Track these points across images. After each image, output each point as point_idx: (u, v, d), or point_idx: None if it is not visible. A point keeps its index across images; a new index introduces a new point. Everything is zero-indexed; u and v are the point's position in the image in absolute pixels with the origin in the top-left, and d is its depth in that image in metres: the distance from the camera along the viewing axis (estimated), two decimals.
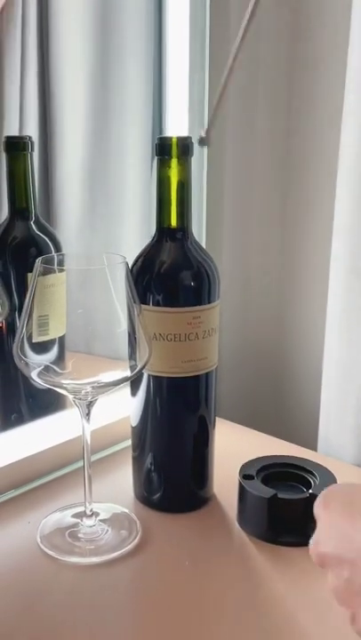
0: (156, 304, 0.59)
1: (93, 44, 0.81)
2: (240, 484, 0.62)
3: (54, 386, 0.56)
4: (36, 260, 0.55)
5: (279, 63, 0.87)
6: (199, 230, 0.83)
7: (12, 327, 0.74)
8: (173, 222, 0.60)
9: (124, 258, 0.56)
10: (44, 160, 0.79)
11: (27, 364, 0.57)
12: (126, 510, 0.64)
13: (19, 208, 0.73)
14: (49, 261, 0.56)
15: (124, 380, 0.57)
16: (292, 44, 0.85)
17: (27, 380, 0.76)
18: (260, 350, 0.97)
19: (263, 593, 0.54)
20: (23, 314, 0.57)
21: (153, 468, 0.64)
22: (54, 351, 0.60)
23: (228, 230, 0.93)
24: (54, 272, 0.56)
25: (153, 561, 0.58)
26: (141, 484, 0.66)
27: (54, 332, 0.60)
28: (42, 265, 0.55)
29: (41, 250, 0.74)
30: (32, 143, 0.71)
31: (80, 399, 0.57)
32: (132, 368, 0.56)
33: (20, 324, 0.57)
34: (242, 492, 0.62)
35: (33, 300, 0.55)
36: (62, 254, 0.65)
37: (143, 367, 0.57)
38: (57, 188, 0.82)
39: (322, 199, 0.84)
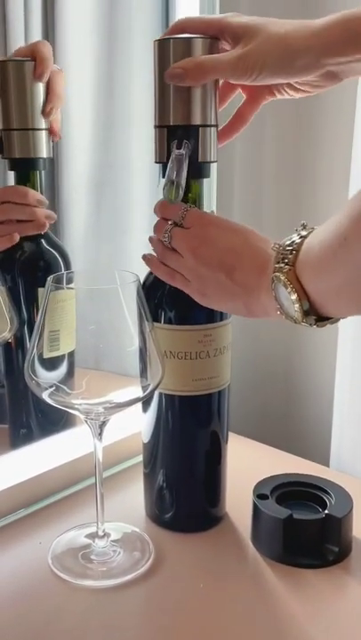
0: (168, 322, 0.59)
1: (99, 55, 0.80)
2: (254, 504, 0.61)
3: (66, 407, 0.56)
4: (48, 279, 0.54)
5: None
6: None
7: (20, 342, 0.74)
8: None
9: (137, 276, 0.55)
10: (50, 171, 0.79)
11: (38, 384, 0.56)
12: (138, 530, 0.63)
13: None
14: (60, 280, 0.55)
15: (137, 400, 0.56)
16: None
17: (36, 396, 0.76)
18: (271, 366, 0.96)
19: (279, 616, 0.53)
20: (34, 334, 0.56)
21: (165, 485, 0.63)
22: (64, 367, 0.59)
23: None
24: (65, 289, 0.56)
25: (166, 583, 0.57)
26: (153, 503, 0.65)
27: (65, 348, 0.60)
28: (53, 284, 0.54)
29: (50, 264, 0.73)
30: (44, 162, 0.71)
31: (92, 419, 0.56)
32: (145, 388, 0.56)
33: (31, 343, 0.56)
34: (256, 512, 0.61)
35: (44, 319, 0.55)
36: (72, 272, 0.64)
37: (156, 387, 0.56)
38: (63, 199, 0.82)
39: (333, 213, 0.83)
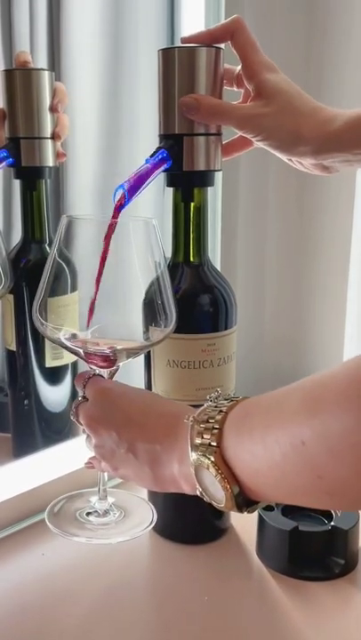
0: None
1: (104, 63, 0.80)
2: (260, 515, 0.60)
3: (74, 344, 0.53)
4: (62, 216, 0.52)
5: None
6: (213, 255, 0.82)
7: (24, 351, 0.73)
8: (189, 247, 0.59)
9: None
10: (55, 180, 0.79)
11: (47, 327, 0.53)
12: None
13: (32, 231, 0.73)
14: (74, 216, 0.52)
15: (148, 345, 0.53)
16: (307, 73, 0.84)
17: (40, 405, 0.75)
18: (276, 376, 0.95)
19: (284, 629, 0.52)
20: (44, 274, 0.53)
21: (169, 496, 0.62)
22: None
23: (243, 254, 0.92)
24: (67, 293, 0.55)
25: (170, 596, 0.56)
26: (157, 514, 0.64)
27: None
28: (67, 217, 0.51)
29: (55, 272, 0.73)
30: (50, 170, 0.71)
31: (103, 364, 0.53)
32: (154, 335, 0.53)
33: (40, 285, 0.53)
34: (261, 523, 0.60)
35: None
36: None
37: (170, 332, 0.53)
38: (69, 207, 0.81)
39: (340, 221, 0.83)
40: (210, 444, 0.38)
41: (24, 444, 0.75)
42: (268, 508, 0.60)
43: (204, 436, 0.38)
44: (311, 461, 0.32)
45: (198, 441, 0.39)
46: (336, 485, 0.32)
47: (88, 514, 0.57)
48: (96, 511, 0.57)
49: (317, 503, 0.35)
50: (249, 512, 0.39)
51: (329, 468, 0.32)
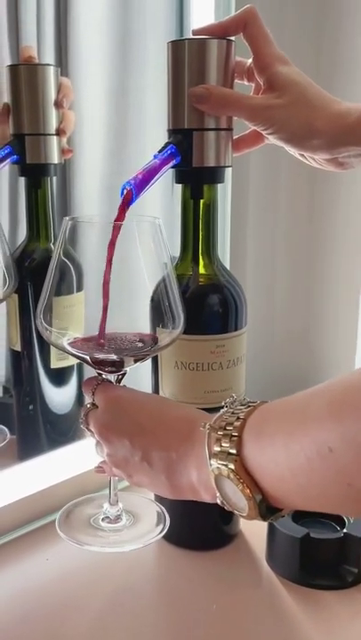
0: None
1: (112, 61, 0.79)
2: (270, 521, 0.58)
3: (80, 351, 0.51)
4: (65, 218, 0.51)
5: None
6: (223, 253, 0.81)
7: (29, 353, 0.72)
8: (198, 245, 0.57)
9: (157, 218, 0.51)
10: (62, 179, 0.77)
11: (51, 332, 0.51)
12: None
13: (37, 229, 0.72)
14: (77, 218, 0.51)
15: (157, 349, 0.52)
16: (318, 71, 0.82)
17: (45, 407, 0.74)
18: (287, 378, 0.93)
19: (294, 639, 0.51)
20: (47, 278, 0.51)
21: (177, 502, 0.61)
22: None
23: (253, 253, 0.90)
24: (73, 292, 0.53)
25: (178, 603, 0.55)
26: None
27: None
28: (70, 220, 0.50)
29: (60, 271, 0.72)
30: (55, 168, 0.69)
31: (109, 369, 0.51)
32: (163, 337, 0.51)
33: (44, 288, 0.51)
34: (271, 530, 0.58)
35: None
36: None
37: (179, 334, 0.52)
38: (76, 206, 0.80)
39: (351, 219, 0.81)
40: (229, 452, 0.37)
41: (29, 447, 0.74)
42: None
43: (223, 444, 0.37)
44: (339, 469, 0.31)
45: (217, 449, 0.37)
46: None
47: (101, 519, 0.56)
48: (107, 517, 0.56)
49: (345, 510, 0.34)
50: (272, 520, 0.38)
51: (358, 475, 0.30)
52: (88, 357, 0.50)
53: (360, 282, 0.73)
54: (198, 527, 0.62)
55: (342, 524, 0.58)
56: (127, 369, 0.52)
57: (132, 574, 0.58)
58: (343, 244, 0.85)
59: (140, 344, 0.51)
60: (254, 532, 0.63)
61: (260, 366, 0.91)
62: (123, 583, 0.57)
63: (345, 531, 0.57)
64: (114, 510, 0.56)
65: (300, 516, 0.59)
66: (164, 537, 0.62)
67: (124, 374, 0.52)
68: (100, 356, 0.50)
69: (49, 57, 0.75)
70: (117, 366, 0.51)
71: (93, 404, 0.50)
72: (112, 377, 0.52)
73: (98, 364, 0.51)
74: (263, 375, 0.92)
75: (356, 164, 0.52)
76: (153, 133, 0.81)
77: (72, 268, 0.59)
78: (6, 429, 0.73)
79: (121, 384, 0.52)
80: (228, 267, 0.60)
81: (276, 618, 0.53)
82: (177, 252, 0.59)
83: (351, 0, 0.77)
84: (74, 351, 0.51)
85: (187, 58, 0.51)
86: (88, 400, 0.51)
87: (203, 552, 0.61)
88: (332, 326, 0.88)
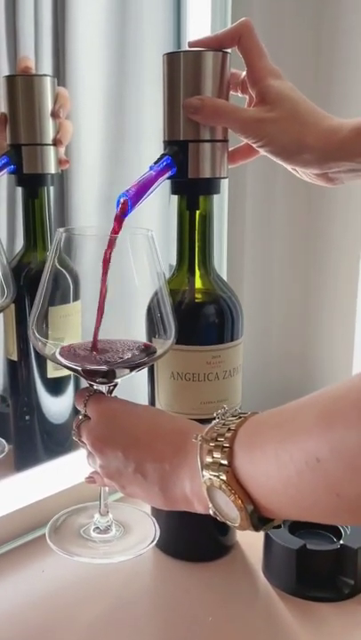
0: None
1: (109, 70, 0.79)
2: (266, 532, 0.58)
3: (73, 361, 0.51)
4: (58, 230, 0.51)
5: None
6: (219, 264, 0.80)
7: (26, 361, 0.72)
8: (194, 256, 0.57)
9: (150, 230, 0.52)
10: (59, 189, 0.78)
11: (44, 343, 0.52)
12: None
13: (34, 239, 0.72)
14: (71, 230, 0.52)
15: (149, 360, 0.52)
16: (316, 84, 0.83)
17: (42, 417, 0.74)
18: (284, 389, 0.93)
19: None
20: (39, 289, 0.52)
21: (173, 513, 0.61)
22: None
23: (249, 264, 0.90)
24: (69, 302, 0.53)
25: (173, 615, 0.54)
26: (161, 530, 0.62)
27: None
28: (63, 232, 0.50)
29: (57, 280, 0.72)
30: (52, 178, 0.70)
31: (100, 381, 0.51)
32: (154, 348, 0.51)
33: (37, 298, 0.52)
34: (268, 541, 0.58)
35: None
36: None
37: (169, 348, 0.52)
38: (73, 215, 0.80)
39: (349, 231, 0.81)
40: (221, 463, 0.37)
41: (26, 457, 0.74)
42: (275, 526, 0.58)
43: (215, 455, 0.37)
44: (328, 479, 0.31)
45: (209, 460, 0.38)
46: (357, 503, 0.31)
47: (92, 530, 0.56)
48: (98, 527, 0.56)
49: (339, 520, 0.34)
50: (264, 530, 0.38)
51: (347, 485, 0.30)
52: (80, 369, 0.50)
53: (357, 294, 0.73)
54: (194, 538, 0.62)
55: (339, 536, 0.58)
56: (118, 380, 0.52)
57: (128, 585, 0.58)
58: (340, 257, 0.84)
59: (132, 354, 0.51)
60: (251, 543, 0.62)
61: (256, 378, 0.91)
62: (119, 594, 0.57)
63: (341, 542, 0.56)
64: (104, 521, 0.56)
65: (296, 528, 0.59)
66: (161, 548, 0.62)
67: (115, 385, 0.52)
68: (92, 367, 0.50)
69: (46, 67, 0.75)
70: (109, 377, 0.51)
71: (86, 416, 0.50)
72: (103, 388, 0.52)
73: (89, 374, 0.51)
74: (259, 387, 0.92)
75: (346, 179, 0.52)
76: (150, 144, 0.81)
77: (68, 278, 0.59)
78: (4, 442, 0.72)
79: (112, 395, 0.52)
80: (225, 278, 0.60)
81: (273, 630, 0.53)
82: (174, 263, 0.59)
83: (350, 11, 0.77)
84: (65, 362, 0.51)
85: (182, 70, 0.52)
86: (81, 412, 0.51)
87: (199, 563, 0.61)
88: (329, 338, 0.88)
